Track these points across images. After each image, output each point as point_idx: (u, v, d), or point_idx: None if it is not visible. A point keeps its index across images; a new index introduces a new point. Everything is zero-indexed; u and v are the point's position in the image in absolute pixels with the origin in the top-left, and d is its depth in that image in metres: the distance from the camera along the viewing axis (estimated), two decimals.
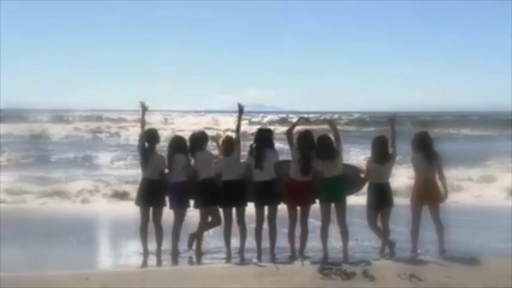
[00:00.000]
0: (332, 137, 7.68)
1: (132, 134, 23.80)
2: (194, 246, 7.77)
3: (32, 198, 12.39)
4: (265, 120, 31.40)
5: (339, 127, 8.68)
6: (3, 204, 11.80)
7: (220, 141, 7.98)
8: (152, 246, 7.71)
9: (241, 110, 7.78)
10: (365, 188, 7.83)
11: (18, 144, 22.57)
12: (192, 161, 7.58)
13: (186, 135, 8.02)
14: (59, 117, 35.35)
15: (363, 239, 8.20)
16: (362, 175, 7.87)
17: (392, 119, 7.90)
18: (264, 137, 7.64)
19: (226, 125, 26.06)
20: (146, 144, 7.56)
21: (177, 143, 7.55)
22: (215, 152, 7.96)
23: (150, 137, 7.52)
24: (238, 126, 7.77)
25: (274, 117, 33.38)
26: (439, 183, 7.54)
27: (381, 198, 7.54)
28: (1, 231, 9.04)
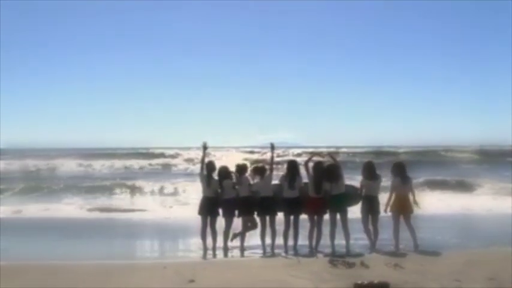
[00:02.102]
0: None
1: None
2: (235, 242, 8.84)
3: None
4: (289, 153, 34.59)
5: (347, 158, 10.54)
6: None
7: (256, 169, 9.15)
8: (209, 244, 8.85)
9: (273, 147, 9.14)
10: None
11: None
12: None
13: (231, 165, 9.31)
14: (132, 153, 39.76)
15: (360, 239, 9.14)
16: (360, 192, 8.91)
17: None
18: (293, 166, 8.90)
19: (262, 157, 29.68)
20: (206, 172, 8.85)
21: (224, 172, 8.85)
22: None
23: (209, 167, 8.87)
24: (272, 158, 9.10)
25: (295, 151, 36.09)
26: (411, 199, 8.63)
27: (371, 207, 8.68)
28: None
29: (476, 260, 7.57)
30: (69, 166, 30.69)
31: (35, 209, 14.75)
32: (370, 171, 8.78)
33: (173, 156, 37.65)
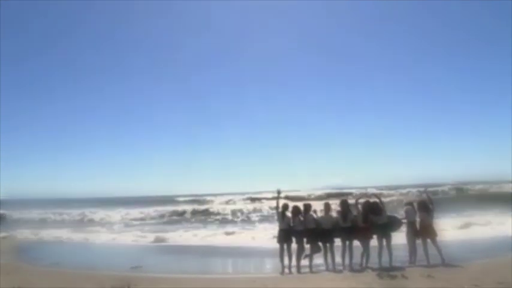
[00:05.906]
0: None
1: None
2: (306, 262, 10.16)
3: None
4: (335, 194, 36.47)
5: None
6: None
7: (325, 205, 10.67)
8: (286, 263, 10.25)
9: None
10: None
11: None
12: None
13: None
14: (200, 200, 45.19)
15: (400, 256, 10.44)
16: (403, 220, 10.50)
17: (425, 191, 11.16)
18: (345, 204, 10.40)
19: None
20: (281, 210, 10.45)
21: (296, 210, 10.45)
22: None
23: (284, 207, 10.44)
24: (327, 204, 10.68)
25: (346, 191, 38.70)
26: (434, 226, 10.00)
27: (413, 228, 10.19)
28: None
29: (488, 268, 8.76)
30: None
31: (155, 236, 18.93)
32: (412, 206, 10.59)
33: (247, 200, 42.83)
